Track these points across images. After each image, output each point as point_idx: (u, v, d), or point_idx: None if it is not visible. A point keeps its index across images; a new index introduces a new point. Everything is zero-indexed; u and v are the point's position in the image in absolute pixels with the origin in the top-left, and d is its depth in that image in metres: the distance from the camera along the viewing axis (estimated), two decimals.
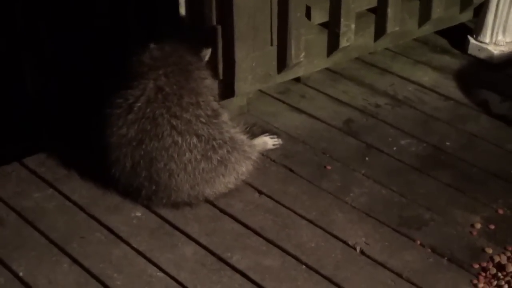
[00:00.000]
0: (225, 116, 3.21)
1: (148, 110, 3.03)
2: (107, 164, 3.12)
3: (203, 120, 3.08)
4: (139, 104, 3.04)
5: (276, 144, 3.48)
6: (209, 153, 3.08)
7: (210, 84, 3.22)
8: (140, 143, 3.03)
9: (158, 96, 3.05)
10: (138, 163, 3.05)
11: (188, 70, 3.15)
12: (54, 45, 4.04)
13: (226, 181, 3.16)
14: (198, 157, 3.06)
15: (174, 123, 3.03)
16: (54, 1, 3.95)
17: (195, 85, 3.14)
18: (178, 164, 3.04)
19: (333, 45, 3.87)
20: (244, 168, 3.20)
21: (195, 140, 3.04)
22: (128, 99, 3.07)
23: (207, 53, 3.29)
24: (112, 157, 3.09)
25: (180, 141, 3.03)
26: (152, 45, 3.18)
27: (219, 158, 3.10)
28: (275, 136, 3.50)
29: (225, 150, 3.12)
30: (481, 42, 4.18)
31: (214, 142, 3.09)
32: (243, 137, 3.26)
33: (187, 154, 3.04)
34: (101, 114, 3.12)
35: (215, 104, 3.18)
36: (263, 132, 3.49)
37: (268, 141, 3.46)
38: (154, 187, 3.07)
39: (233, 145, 3.15)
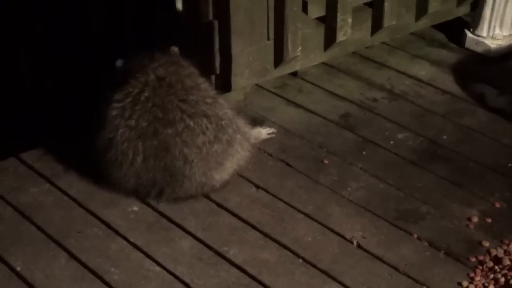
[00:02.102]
0: (222, 99, 3.23)
1: (156, 98, 3.03)
2: (109, 161, 3.09)
3: (209, 101, 3.10)
4: (146, 94, 3.03)
5: (271, 133, 3.48)
6: (219, 134, 3.08)
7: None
8: (155, 132, 3.02)
9: (162, 84, 3.06)
10: (151, 155, 3.03)
11: (177, 60, 3.19)
12: (51, 41, 4.04)
13: (233, 163, 3.16)
14: (211, 138, 3.06)
15: (183, 107, 3.03)
16: None
17: (189, 71, 3.17)
18: (193, 149, 3.03)
19: (330, 40, 3.87)
20: (245, 152, 3.21)
21: (205, 121, 3.04)
22: (130, 92, 3.05)
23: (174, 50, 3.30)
24: (118, 152, 3.05)
25: (192, 124, 3.02)
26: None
27: (228, 138, 3.11)
28: (266, 127, 3.51)
29: (231, 130, 3.13)
30: (478, 36, 4.18)
31: (222, 122, 3.10)
32: (240, 119, 3.28)
33: (200, 136, 3.04)
34: (100, 110, 3.11)
35: (211, 88, 3.22)
36: (252, 121, 3.50)
37: (262, 131, 3.46)
38: (168, 178, 3.06)
39: (237, 125, 3.18)
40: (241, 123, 3.27)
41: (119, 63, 3.22)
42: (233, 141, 3.13)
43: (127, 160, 3.05)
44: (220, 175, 3.15)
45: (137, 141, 3.03)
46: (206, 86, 3.18)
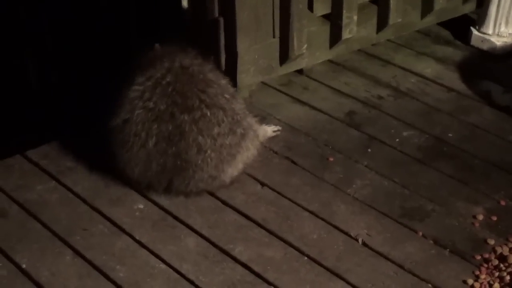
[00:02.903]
0: (239, 98, 3.27)
1: (178, 84, 3.05)
2: (119, 143, 3.09)
3: (227, 96, 3.12)
4: (168, 79, 3.05)
5: (276, 131, 3.49)
6: (234, 127, 3.10)
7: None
8: (171, 116, 3.02)
9: (185, 72, 3.08)
10: (165, 139, 3.03)
11: (205, 57, 3.21)
12: (56, 38, 4.05)
13: (243, 158, 3.17)
14: (226, 130, 3.07)
15: (202, 97, 3.05)
16: None
17: (212, 67, 3.21)
18: (207, 139, 3.04)
19: (335, 37, 3.87)
20: (254, 150, 3.23)
21: (221, 113, 3.06)
22: (152, 76, 3.07)
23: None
24: (131, 133, 3.05)
25: (209, 114, 3.04)
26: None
27: (242, 131, 3.13)
28: (271, 125, 3.51)
29: (246, 123, 3.17)
30: (484, 33, 4.17)
31: (238, 116, 3.12)
32: (251, 117, 3.31)
33: (216, 127, 3.05)
34: (117, 93, 3.12)
35: (230, 86, 3.24)
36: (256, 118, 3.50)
37: (267, 129, 3.47)
38: (179, 165, 3.05)
39: (250, 122, 3.21)
40: (253, 121, 3.29)
41: (157, 46, 3.24)
42: (246, 136, 3.15)
43: (138, 142, 3.05)
44: (232, 170, 3.16)
45: (153, 123, 3.03)
46: (225, 83, 3.21)
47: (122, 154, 3.09)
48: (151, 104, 3.04)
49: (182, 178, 3.09)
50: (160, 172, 3.08)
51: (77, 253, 2.90)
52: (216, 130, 3.05)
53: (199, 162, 3.05)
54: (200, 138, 3.03)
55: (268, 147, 3.43)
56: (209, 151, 3.05)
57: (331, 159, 3.38)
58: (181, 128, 3.02)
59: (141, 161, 3.08)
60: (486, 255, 2.90)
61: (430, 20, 4.25)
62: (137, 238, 2.96)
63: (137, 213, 3.09)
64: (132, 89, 3.08)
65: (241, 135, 3.13)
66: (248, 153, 3.19)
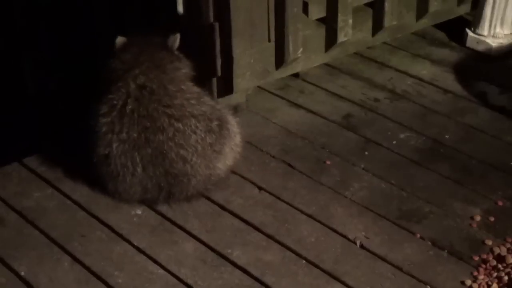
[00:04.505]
0: (207, 97, 3.24)
1: (141, 109, 3.04)
2: (110, 176, 3.10)
3: (194, 102, 3.11)
4: (130, 106, 3.04)
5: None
6: (209, 126, 3.09)
7: (188, 72, 3.24)
8: (146, 141, 3.03)
9: (144, 93, 3.06)
10: (149, 163, 3.05)
11: (162, 64, 3.17)
12: (54, 44, 4.06)
13: (230, 147, 3.17)
14: (203, 135, 3.07)
15: (170, 112, 3.04)
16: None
17: (174, 75, 3.17)
18: (188, 149, 3.05)
19: (331, 40, 3.87)
20: (237, 138, 3.23)
21: (194, 121, 3.06)
22: (114, 104, 3.06)
23: (174, 39, 3.25)
24: (118, 165, 3.06)
25: (181, 126, 3.04)
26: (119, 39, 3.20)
27: (217, 123, 3.12)
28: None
29: (219, 115, 3.15)
30: (479, 34, 4.18)
31: (208, 115, 3.11)
32: (225, 109, 3.30)
33: (192, 136, 3.05)
34: (89, 125, 3.11)
35: (196, 88, 3.21)
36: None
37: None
38: (172, 180, 3.07)
39: (221, 113, 3.20)
40: (225, 112, 3.27)
41: (120, 39, 3.20)
42: (223, 126, 3.15)
43: (128, 172, 3.07)
44: (222, 163, 3.17)
45: (133, 152, 3.05)
46: (188, 87, 3.17)
47: (117, 186, 3.12)
48: (124, 136, 3.04)
49: (180, 190, 3.11)
50: (158, 190, 3.10)
51: (75, 259, 2.90)
52: (193, 138, 3.05)
53: (189, 171, 3.07)
54: (181, 151, 3.04)
55: (265, 151, 3.44)
56: (194, 159, 3.06)
57: (328, 162, 3.39)
58: (160, 148, 3.03)
59: (137, 188, 3.10)
60: (484, 256, 2.90)
61: (426, 22, 4.25)
62: (135, 243, 2.96)
63: (134, 219, 3.09)
64: (101, 122, 3.07)
65: (218, 126, 3.12)
66: (232, 142, 3.20)
